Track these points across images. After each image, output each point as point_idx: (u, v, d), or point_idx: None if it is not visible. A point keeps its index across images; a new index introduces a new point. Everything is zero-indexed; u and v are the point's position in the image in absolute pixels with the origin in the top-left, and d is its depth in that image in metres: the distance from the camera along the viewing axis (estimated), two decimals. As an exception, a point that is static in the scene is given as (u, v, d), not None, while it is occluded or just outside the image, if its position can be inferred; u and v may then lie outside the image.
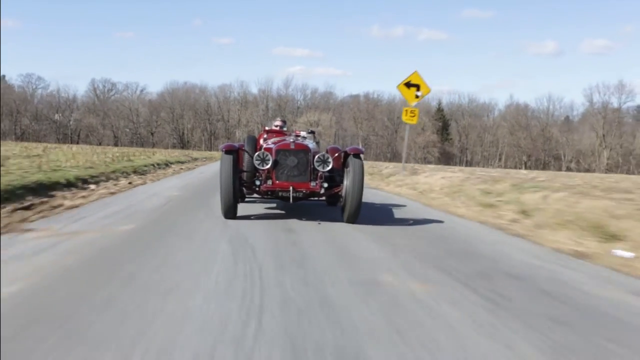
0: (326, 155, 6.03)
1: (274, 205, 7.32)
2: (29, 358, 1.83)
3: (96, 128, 69.96)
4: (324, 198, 6.79)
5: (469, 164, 65.36)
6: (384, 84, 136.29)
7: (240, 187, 6.12)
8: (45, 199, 5.82)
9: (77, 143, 65.93)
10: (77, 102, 77.39)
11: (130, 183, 9.51)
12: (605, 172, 59.10)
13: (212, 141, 72.92)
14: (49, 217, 4.90)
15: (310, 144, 6.68)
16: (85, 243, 3.71)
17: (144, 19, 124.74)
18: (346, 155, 6.15)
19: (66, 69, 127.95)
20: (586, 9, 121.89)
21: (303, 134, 7.59)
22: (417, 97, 11.52)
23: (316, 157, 6.03)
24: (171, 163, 17.65)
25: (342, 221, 5.85)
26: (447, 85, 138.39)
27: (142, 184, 9.62)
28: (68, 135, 70.25)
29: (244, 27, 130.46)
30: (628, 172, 60.94)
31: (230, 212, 5.71)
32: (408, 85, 11.58)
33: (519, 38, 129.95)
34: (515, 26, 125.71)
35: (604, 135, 63.91)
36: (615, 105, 65.30)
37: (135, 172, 11.73)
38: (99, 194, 7.15)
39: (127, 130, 70.92)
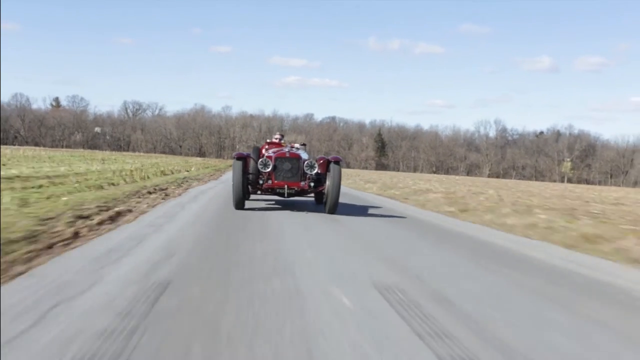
0: (313, 162, 8.25)
1: (273, 202, 9.71)
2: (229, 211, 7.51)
3: (141, 141, 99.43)
4: (312, 197, 9.15)
5: (398, 171, 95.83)
6: (363, 106, 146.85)
7: (247, 185, 8.05)
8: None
9: (127, 151, 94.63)
10: (114, 119, 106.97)
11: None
12: (488, 177, 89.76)
13: (221, 152, 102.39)
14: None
15: (303, 153, 8.86)
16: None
17: (144, 25, 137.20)
18: (328, 162, 8.25)
19: (65, 72, 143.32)
20: (581, 26, 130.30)
21: (297, 145, 9.52)
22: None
23: (305, 162, 8.18)
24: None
25: (324, 212, 8.04)
26: (441, 99, 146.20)
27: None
28: (121, 146, 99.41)
29: (242, 36, 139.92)
30: (499, 177, 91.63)
31: (240, 204, 7.89)
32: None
33: (514, 54, 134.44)
34: (511, 42, 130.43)
35: (487, 154, 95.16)
36: (494, 133, 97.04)
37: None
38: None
39: (162, 143, 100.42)
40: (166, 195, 9.74)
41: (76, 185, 8.73)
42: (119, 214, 6.09)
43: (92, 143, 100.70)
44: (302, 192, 8.36)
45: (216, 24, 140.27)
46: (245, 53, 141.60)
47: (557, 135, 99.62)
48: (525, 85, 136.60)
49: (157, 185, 11.01)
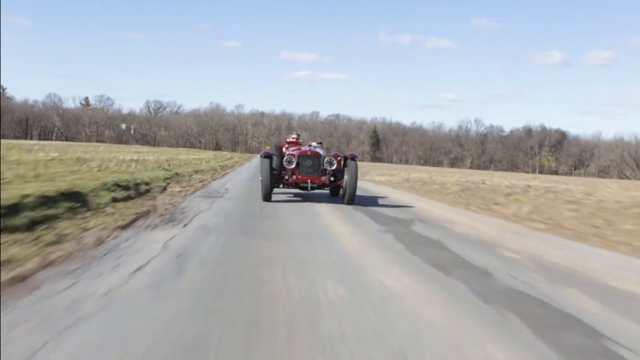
0: (332, 159, 9.12)
1: (293, 194, 10.86)
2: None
3: (165, 137, 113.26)
4: (328, 190, 10.01)
5: (391, 163, 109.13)
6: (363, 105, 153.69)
7: (273, 180, 8.75)
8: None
9: (154, 146, 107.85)
10: (138, 116, 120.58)
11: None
12: (469, 169, 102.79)
13: (235, 146, 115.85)
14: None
15: (320, 151, 9.74)
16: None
17: (153, 21, 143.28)
18: (345, 158, 9.16)
19: (74, 67, 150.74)
20: (592, 21, 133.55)
21: (314, 144, 10.39)
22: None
23: (325, 159, 9.04)
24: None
25: (342, 203, 8.81)
26: (451, 94, 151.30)
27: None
28: (147, 141, 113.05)
29: (251, 30, 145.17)
30: (482, 168, 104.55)
31: (267, 197, 8.66)
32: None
33: (525, 48, 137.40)
34: (522, 36, 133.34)
35: (468, 149, 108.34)
36: (475, 129, 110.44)
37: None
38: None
39: (183, 139, 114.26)
40: (241, 164, 23.59)
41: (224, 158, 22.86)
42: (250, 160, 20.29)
43: (120, 138, 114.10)
44: (322, 186, 9.22)
45: (225, 18, 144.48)
46: (255, 48, 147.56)
47: (543, 131, 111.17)
48: (535, 80, 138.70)
49: (236, 161, 24.89)
